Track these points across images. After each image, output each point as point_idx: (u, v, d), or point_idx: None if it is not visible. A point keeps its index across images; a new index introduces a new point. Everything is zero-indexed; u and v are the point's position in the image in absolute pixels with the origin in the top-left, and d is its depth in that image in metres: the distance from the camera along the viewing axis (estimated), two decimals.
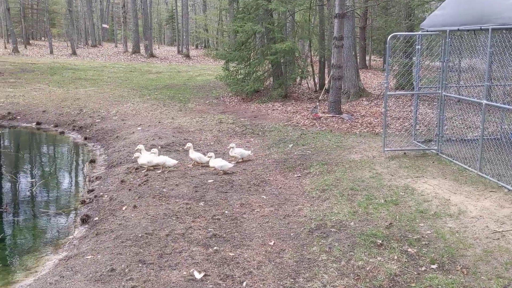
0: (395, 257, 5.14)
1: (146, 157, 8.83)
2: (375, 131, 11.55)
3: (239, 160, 9.41)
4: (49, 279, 4.97)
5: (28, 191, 8.99)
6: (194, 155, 9.11)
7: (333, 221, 6.14)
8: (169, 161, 8.85)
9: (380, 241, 5.48)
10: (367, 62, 29.87)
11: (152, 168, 8.92)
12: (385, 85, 9.05)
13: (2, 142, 13.30)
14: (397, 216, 6.16)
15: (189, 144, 9.23)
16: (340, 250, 5.33)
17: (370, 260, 5.09)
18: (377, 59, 36.86)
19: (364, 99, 16.00)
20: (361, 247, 5.38)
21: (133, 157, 9.29)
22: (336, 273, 4.88)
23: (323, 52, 18.33)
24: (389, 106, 11.36)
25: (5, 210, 7.69)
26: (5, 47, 38.12)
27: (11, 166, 10.86)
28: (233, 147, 9.40)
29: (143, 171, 8.82)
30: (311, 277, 4.82)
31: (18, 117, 15.27)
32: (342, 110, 13.50)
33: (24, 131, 14.40)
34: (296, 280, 4.80)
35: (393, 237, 5.58)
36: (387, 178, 7.63)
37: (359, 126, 12.15)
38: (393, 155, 9.00)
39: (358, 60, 18.42)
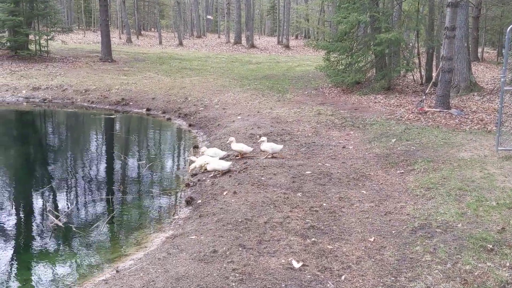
0: (507, 264, 4.75)
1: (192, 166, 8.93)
2: (487, 128, 10.73)
3: (269, 156, 9.06)
4: (157, 254, 5.32)
5: (138, 172, 9.67)
6: (237, 146, 9.14)
7: (439, 222, 5.82)
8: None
9: (491, 246, 5.10)
10: (479, 54, 27.77)
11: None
12: (502, 79, 8.37)
13: (115, 126, 14.44)
14: (511, 221, 5.69)
15: (231, 138, 9.28)
16: (446, 252, 5.05)
17: (479, 265, 4.77)
18: (490, 51, 34.14)
19: (475, 94, 14.92)
20: (469, 250, 5.05)
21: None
22: (441, 275, 4.63)
23: (432, 43, 17.36)
24: (504, 102, 10.47)
25: (119, 189, 8.36)
26: (120, 38, 41.10)
27: (123, 149, 11.74)
28: (263, 141, 9.07)
29: (239, 160, 9.04)
30: (414, 277, 4.63)
31: (131, 103, 16.45)
32: (450, 105, 12.72)
33: (135, 116, 15.49)
34: (397, 278, 4.64)
35: (506, 243, 5.16)
36: (500, 180, 7.06)
37: (469, 122, 11.36)
38: (508, 155, 8.30)
39: (469, 52, 17.16)
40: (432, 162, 8.17)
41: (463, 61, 15.15)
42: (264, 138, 9.16)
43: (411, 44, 19.34)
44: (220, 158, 9.11)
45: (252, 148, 9.31)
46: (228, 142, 9.38)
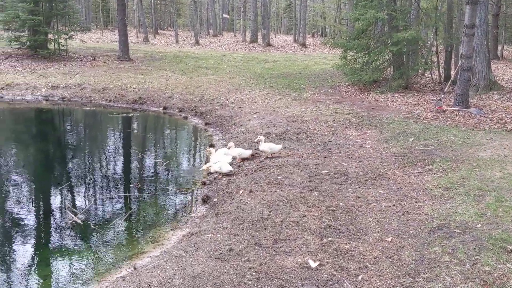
0: None
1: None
2: (507, 127, 10.55)
3: (269, 156, 8.94)
4: (174, 252, 5.35)
5: (154, 170, 9.74)
6: (235, 151, 9.10)
7: (458, 222, 5.75)
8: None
9: (511, 247, 5.02)
10: (498, 52, 27.30)
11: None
12: None
13: (133, 124, 14.57)
14: None
15: (230, 143, 9.28)
16: (465, 253, 4.98)
17: (499, 266, 4.70)
18: (510, 49, 33.55)
19: (495, 92, 14.67)
20: (489, 251, 4.97)
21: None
22: (460, 276, 4.58)
23: (450, 41, 17.12)
24: None
25: (136, 187, 8.43)
26: (137, 37, 41.40)
27: (140, 147, 11.84)
28: (261, 140, 8.94)
29: (261, 159, 9.03)
30: (432, 278, 4.58)
31: (148, 102, 16.57)
32: (469, 103, 12.53)
33: (152, 115, 15.61)
34: (415, 279, 4.60)
35: None
36: None
37: (489, 121, 11.19)
38: None
39: (489, 50, 16.87)
40: (450, 162, 8.06)
41: (483, 59, 14.92)
42: (261, 137, 9.06)
43: (429, 42, 19.09)
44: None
45: (251, 151, 9.22)
46: (227, 147, 9.37)
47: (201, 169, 9.00)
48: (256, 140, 9.22)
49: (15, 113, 15.88)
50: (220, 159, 8.78)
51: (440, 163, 8.09)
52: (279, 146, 9.11)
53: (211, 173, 8.76)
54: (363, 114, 12.68)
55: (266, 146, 8.94)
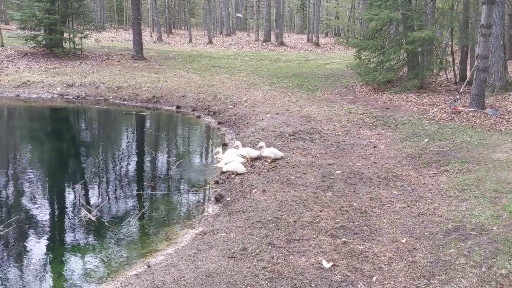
0: None
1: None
2: None
3: (268, 161, 8.82)
4: (187, 251, 5.37)
5: (168, 168, 9.79)
6: (243, 151, 9.07)
7: (473, 224, 5.68)
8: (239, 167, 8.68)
9: None
10: None
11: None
12: None
13: (146, 123, 14.65)
14: None
15: (237, 143, 9.24)
16: (481, 255, 4.92)
17: None
18: None
19: (511, 93, 14.46)
20: (505, 254, 4.90)
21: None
22: (476, 279, 4.52)
23: (466, 41, 16.91)
24: None
25: (149, 185, 8.48)
26: (151, 36, 41.64)
27: (154, 145, 11.90)
28: (263, 146, 8.89)
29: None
30: (447, 280, 4.53)
31: (161, 101, 16.66)
32: (485, 104, 12.36)
33: (165, 114, 15.68)
34: (430, 281, 4.55)
35: None
36: None
37: (505, 122, 11.03)
38: None
39: (505, 50, 16.62)
40: (466, 163, 7.97)
41: (499, 60, 14.70)
42: (262, 144, 9.00)
43: (444, 42, 18.88)
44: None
45: (259, 152, 9.16)
46: (234, 146, 9.34)
47: (215, 165, 9.07)
48: (257, 146, 9.19)
49: (31, 111, 16.08)
50: (234, 159, 8.79)
51: (456, 164, 8.00)
52: (281, 154, 8.98)
53: (224, 172, 8.78)
54: (377, 114, 12.59)
55: (269, 151, 8.92)
